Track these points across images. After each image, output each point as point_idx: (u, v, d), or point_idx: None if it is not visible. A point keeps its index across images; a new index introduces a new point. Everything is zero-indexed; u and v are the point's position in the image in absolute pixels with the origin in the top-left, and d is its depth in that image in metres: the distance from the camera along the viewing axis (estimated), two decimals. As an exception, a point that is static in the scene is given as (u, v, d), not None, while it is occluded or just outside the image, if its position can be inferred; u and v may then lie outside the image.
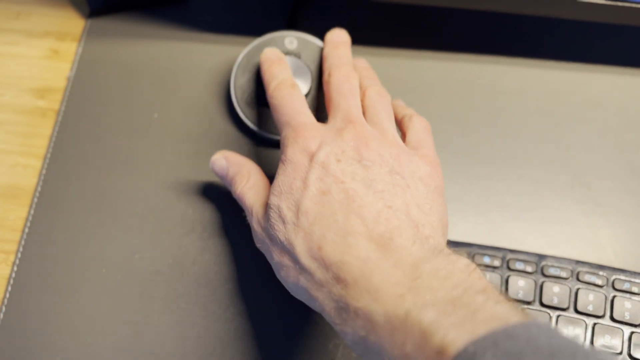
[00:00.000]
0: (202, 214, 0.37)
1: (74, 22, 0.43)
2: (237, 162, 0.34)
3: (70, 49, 0.42)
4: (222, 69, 0.41)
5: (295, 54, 0.39)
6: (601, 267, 0.34)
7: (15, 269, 0.36)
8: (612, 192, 0.38)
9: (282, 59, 0.36)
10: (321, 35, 0.40)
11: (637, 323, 0.33)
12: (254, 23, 0.43)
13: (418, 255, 0.25)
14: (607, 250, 0.37)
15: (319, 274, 0.26)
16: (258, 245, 0.31)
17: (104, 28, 0.43)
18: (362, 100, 0.33)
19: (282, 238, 0.28)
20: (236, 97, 0.39)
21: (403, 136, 0.34)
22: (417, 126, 0.34)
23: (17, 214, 0.37)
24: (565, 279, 0.34)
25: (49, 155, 0.39)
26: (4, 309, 0.35)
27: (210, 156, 0.39)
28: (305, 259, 0.27)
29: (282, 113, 0.32)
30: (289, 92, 0.33)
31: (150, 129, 0.40)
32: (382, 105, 0.33)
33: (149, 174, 0.38)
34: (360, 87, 0.34)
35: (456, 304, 0.22)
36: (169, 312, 0.35)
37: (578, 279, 0.34)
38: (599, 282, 0.34)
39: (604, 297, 0.34)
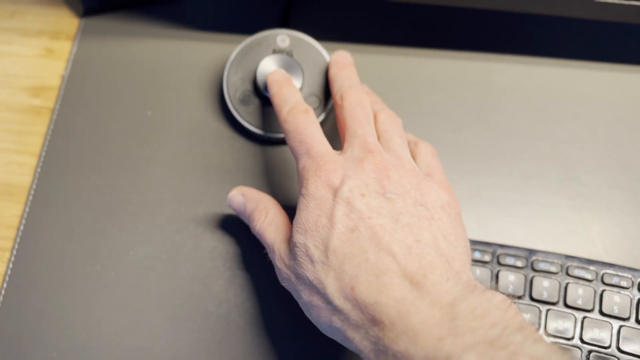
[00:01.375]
0: (195, 210, 0.37)
1: (68, 21, 0.44)
2: (254, 197, 0.33)
3: (64, 48, 0.43)
4: (215, 67, 0.42)
5: (287, 52, 0.39)
6: (591, 261, 0.35)
7: (10, 266, 0.36)
8: (602, 187, 0.38)
9: (290, 80, 0.36)
10: (313, 34, 0.40)
11: (625, 317, 0.33)
12: (246, 21, 0.43)
13: (453, 293, 0.25)
14: (596, 245, 0.37)
15: (354, 315, 0.26)
16: (284, 284, 0.30)
17: (98, 27, 0.43)
18: (375, 125, 0.33)
19: (311, 277, 0.27)
20: (229, 94, 0.39)
21: None
22: (425, 152, 0.33)
23: (12, 212, 0.38)
24: (555, 273, 0.34)
25: (43, 153, 0.39)
26: (-1, 305, 0.35)
27: (204, 153, 0.39)
28: (338, 300, 0.26)
29: (298, 141, 0.31)
30: (304, 119, 0.32)
31: (144, 126, 0.40)
32: (396, 131, 0.32)
33: (142, 171, 0.38)
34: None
35: (495, 346, 0.22)
36: (163, 307, 0.35)
37: (568, 274, 0.34)
38: (589, 276, 0.34)
39: (593, 291, 0.34)
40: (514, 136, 0.40)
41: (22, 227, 0.37)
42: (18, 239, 0.37)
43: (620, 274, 0.34)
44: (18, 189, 0.38)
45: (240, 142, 0.39)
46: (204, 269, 0.36)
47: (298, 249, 0.28)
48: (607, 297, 0.34)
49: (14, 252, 0.36)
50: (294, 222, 0.29)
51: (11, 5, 0.44)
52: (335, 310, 0.27)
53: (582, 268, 0.34)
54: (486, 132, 0.40)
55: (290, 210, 0.33)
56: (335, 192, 0.28)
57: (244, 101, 0.39)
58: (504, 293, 0.31)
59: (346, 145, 0.31)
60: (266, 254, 0.32)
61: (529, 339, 0.23)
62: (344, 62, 0.37)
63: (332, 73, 0.36)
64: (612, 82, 0.42)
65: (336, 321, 0.27)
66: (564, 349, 0.23)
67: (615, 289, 0.34)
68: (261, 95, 0.38)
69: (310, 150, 0.30)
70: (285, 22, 0.43)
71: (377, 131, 0.32)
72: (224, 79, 0.39)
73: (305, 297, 0.28)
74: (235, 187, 0.35)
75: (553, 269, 0.34)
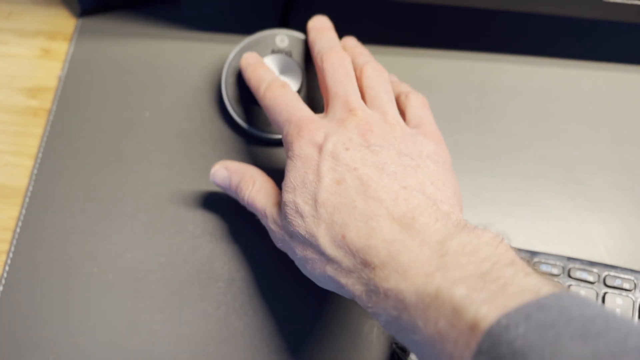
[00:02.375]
0: (194, 212, 0.37)
1: (65, 22, 0.43)
2: (238, 169, 0.34)
3: (61, 48, 0.42)
4: (214, 67, 0.41)
5: (286, 52, 0.39)
6: (593, 263, 0.34)
7: (7, 268, 0.36)
8: (604, 188, 0.38)
9: (263, 62, 0.36)
10: (312, 33, 0.40)
11: (628, 319, 0.33)
12: (245, 21, 0.43)
13: (443, 232, 0.25)
14: (599, 247, 0.37)
15: (346, 261, 0.27)
16: (279, 245, 0.31)
17: (95, 27, 0.43)
18: (359, 80, 0.33)
19: (302, 232, 0.28)
20: (227, 95, 0.38)
21: (402, 114, 0.33)
22: (415, 103, 0.34)
23: (9, 214, 0.37)
24: (557, 275, 0.34)
25: (40, 155, 0.39)
26: (-5, 308, 0.35)
27: (202, 154, 0.39)
28: (330, 249, 0.27)
29: (278, 112, 0.32)
30: (282, 92, 0.33)
31: (142, 127, 0.39)
32: (381, 85, 0.33)
33: (140, 172, 0.38)
34: (356, 66, 0.34)
35: (486, 279, 0.23)
36: (161, 311, 0.35)
37: (569, 276, 0.34)
38: (591, 278, 0.34)
39: (595, 293, 0.34)
40: (514, 136, 0.40)
41: (18, 230, 0.37)
42: (14, 242, 0.36)
43: (622, 275, 0.34)
44: (14, 190, 0.38)
45: (238, 143, 0.39)
46: (203, 272, 0.36)
47: (288, 207, 0.29)
48: (609, 300, 0.33)
49: (10, 254, 0.36)
50: (283, 183, 0.30)
51: (8, 5, 0.44)
52: (329, 259, 0.27)
53: (584, 270, 0.34)
54: (487, 133, 0.40)
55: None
56: (320, 148, 0.29)
57: (242, 101, 0.38)
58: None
59: (329, 107, 0.32)
60: (258, 221, 0.32)
61: (520, 273, 0.23)
62: (323, 25, 0.37)
63: (312, 37, 0.36)
64: (614, 82, 0.41)
65: (330, 270, 0.27)
66: (555, 282, 0.23)
67: (618, 291, 0.34)
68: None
69: (291, 116, 0.31)
70: (284, 22, 0.43)
71: (362, 87, 0.33)
72: (222, 79, 0.39)
73: (299, 253, 0.29)
74: (218, 162, 0.34)
75: (555, 270, 0.34)
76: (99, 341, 0.34)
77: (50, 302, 0.35)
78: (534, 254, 0.35)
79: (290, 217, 0.29)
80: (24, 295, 0.35)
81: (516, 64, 0.42)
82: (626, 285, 0.34)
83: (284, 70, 0.38)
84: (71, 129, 0.39)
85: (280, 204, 0.30)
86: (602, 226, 0.37)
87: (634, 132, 0.40)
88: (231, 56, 0.39)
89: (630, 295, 0.33)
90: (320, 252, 0.27)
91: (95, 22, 0.43)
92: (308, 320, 0.35)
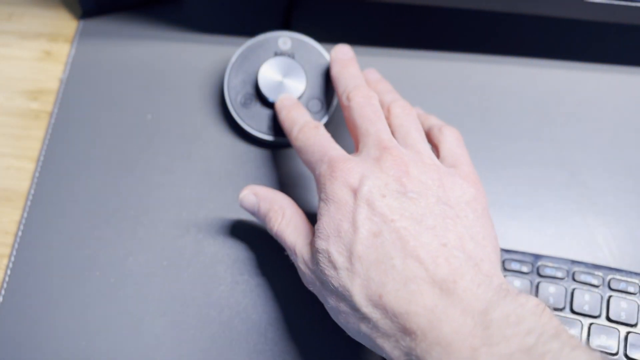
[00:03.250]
0: (196, 216, 0.37)
1: (67, 24, 0.43)
2: (267, 197, 0.32)
3: (62, 51, 0.42)
4: (216, 70, 0.41)
5: (289, 55, 0.39)
6: (597, 266, 0.34)
7: (8, 272, 0.35)
8: (608, 191, 0.38)
9: (299, 104, 0.35)
10: (315, 36, 0.40)
11: (633, 323, 0.33)
12: (247, 23, 0.42)
13: (485, 300, 0.24)
14: (603, 250, 0.36)
15: (383, 323, 0.25)
16: (309, 287, 0.30)
17: (97, 29, 0.42)
18: (388, 119, 0.32)
19: (335, 284, 0.27)
20: (230, 97, 0.38)
21: (435, 149, 0.32)
22: (450, 139, 0.32)
23: (11, 217, 0.37)
24: (561, 279, 0.34)
25: (42, 158, 0.38)
26: (-3, 312, 0.35)
27: (205, 157, 0.39)
28: (366, 308, 0.26)
29: (311, 152, 0.31)
30: (314, 132, 0.32)
31: (144, 130, 0.39)
32: (412, 123, 0.31)
33: (142, 175, 0.38)
34: (382, 104, 0.33)
35: (532, 354, 0.22)
36: (164, 314, 0.35)
37: (574, 279, 0.34)
38: (595, 282, 0.34)
39: (600, 297, 0.33)
40: (518, 139, 0.39)
41: (20, 233, 0.36)
42: (16, 245, 0.36)
43: (627, 279, 0.34)
44: (16, 194, 0.38)
45: (241, 146, 0.39)
46: (206, 275, 0.36)
47: (321, 255, 0.28)
48: (614, 303, 0.33)
49: (12, 258, 0.36)
50: (316, 227, 0.29)
51: (9, 7, 0.44)
52: (364, 317, 0.26)
53: (589, 273, 0.34)
54: (489, 136, 0.40)
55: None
56: (355, 193, 0.28)
57: (245, 104, 0.38)
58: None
59: (360, 146, 0.31)
60: (287, 255, 0.31)
61: (566, 347, 0.22)
62: (346, 58, 0.36)
63: (335, 72, 0.35)
64: (617, 84, 0.41)
65: (364, 328, 0.26)
66: (604, 356, 0.23)
67: (622, 295, 0.33)
68: (262, 98, 0.38)
69: (323, 156, 0.30)
70: (286, 24, 0.42)
71: (391, 126, 0.31)
72: (225, 82, 0.39)
73: (332, 303, 0.28)
74: (246, 187, 0.33)
75: (559, 274, 0.34)
76: (101, 345, 0.34)
77: (52, 306, 0.35)
78: (538, 257, 0.34)
79: (322, 265, 0.28)
80: (26, 299, 0.35)
81: (519, 66, 0.42)
82: (631, 289, 0.33)
83: (287, 73, 0.38)
84: (73, 132, 0.39)
85: (311, 245, 0.29)
86: (606, 229, 0.37)
87: (638, 134, 0.40)
88: (234, 58, 0.39)
89: (635, 298, 0.33)
90: (355, 309, 0.26)
91: (97, 24, 0.43)
92: (312, 324, 0.34)
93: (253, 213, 0.33)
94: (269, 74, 0.38)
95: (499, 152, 0.39)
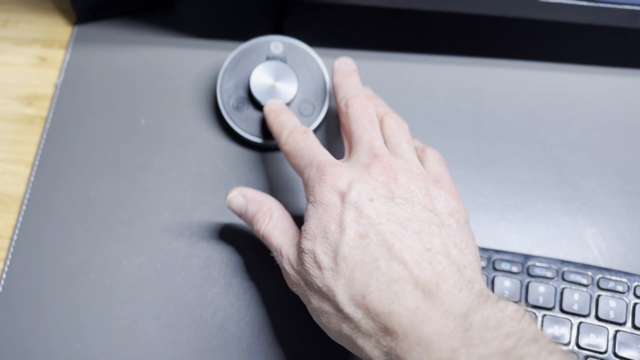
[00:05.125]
0: (190, 219, 0.37)
1: (61, 29, 0.43)
2: (255, 199, 0.33)
3: (57, 56, 0.43)
4: (209, 74, 0.42)
5: (281, 59, 0.39)
6: (586, 266, 0.35)
7: (3, 276, 0.36)
8: (597, 191, 0.38)
9: (286, 108, 0.36)
10: (307, 40, 0.40)
11: (621, 321, 0.33)
12: (240, 28, 0.43)
13: (467, 304, 0.25)
14: (592, 250, 0.37)
15: (365, 323, 0.26)
16: (293, 288, 0.30)
17: (91, 35, 0.43)
18: (381, 129, 0.33)
19: (320, 284, 0.27)
20: (222, 101, 0.39)
21: None
22: (432, 158, 0.33)
23: (6, 222, 0.38)
24: (551, 278, 0.34)
25: (37, 163, 0.39)
26: (-8, 316, 0.35)
27: (198, 160, 0.39)
28: (348, 308, 0.26)
29: (300, 156, 0.31)
30: (304, 137, 0.32)
31: (138, 134, 0.40)
32: (403, 135, 0.32)
33: (136, 179, 0.38)
34: (377, 116, 0.33)
35: (510, 357, 0.22)
36: (158, 317, 0.35)
37: (563, 279, 0.34)
38: (584, 281, 0.34)
39: (589, 296, 0.34)
40: (508, 141, 0.40)
41: (15, 237, 0.37)
42: (11, 249, 0.36)
43: (616, 278, 0.34)
44: (11, 198, 0.38)
45: (234, 149, 0.39)
46: (199, 278, 0.36)
47: (306, 255, 0.28)
48: (603, 302, 0.34)
49: (8, 262, 0.36)
50: (303, 228, 0.29)
51: (3, 14, 0.44)
52: (346, 317, 0.26)
53: (578, 273, 0.34)
54: (480, 138, 0.40)
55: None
56: (343, 196, 0.28)
57: (237, 108, 0.39)
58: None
59: (352, 151, 0.31)
60: (272, 257, 0.32)
61: (544, 351, 0.22)
62: (348, 69, 0.36)
63: (336, 81, 0.36)
64: (605, 85, 0.42)
65: (346, 329, 0.26)
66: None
67: (611, 294, 0.34)
68: (255, 101, 0.38)
69: (312, 161, 0.30)
70: (278, 29, 0.43)
71: (384, 136, 0.32)
72: (218, 86, 0.39)
73: (314, 303, 0.28)
74: (234, 188, 0.34)
75: (549, 274, 0.34)
76: (96, 348, 0.34)
77: (47, 309, 0.35)
78: (528, 257, 0.35)
79: (307, 265, 0.28)
80: (22, 302, 0.35)
81: (509, 69, 0.42)
82: (619, 288, 0.34)
83: (279, 77, 0.38)
84: (67, 137, 0.40)
85: (297, 246, 0.30)
86: (595, 229, 0.37)
87: (627, 135, 0.40)
88: (226, 63, 0.39)
89: (623, 297, 0.34)
90: (338, 309, 0.27)
91: (91, 30, 0.43)
92: (305, 326, 0.35)
93: (240, 214, 0.33)
94: (261, 78, 0.38)
95: (489, 153, 0.39)
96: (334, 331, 0.27)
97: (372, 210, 0.27)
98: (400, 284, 0.25)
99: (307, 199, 0.30)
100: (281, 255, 0.30)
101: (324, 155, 0.31)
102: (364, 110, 0.33)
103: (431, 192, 0.29)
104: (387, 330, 0.25)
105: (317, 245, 0.28)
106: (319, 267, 0.27)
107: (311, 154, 0.31)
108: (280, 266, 0.31)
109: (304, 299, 0.29)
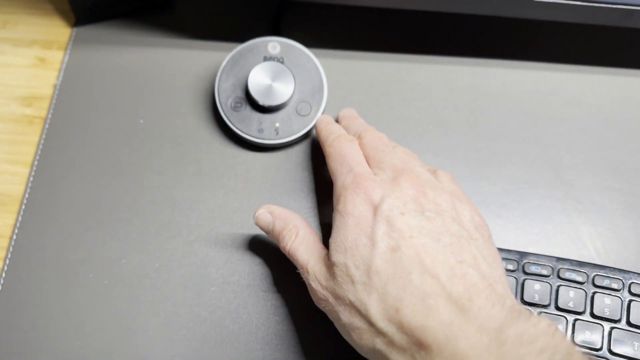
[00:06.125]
0: (188, 217, 0.38)
1: (60, 31, 0.44)
2: (282, 216, 0.33)
3: (56, 57, 0.43)
4: (207, 75, 0.42)
5: (278, 59, 0.39)
6: (582, 263, 0.35)
7: (3, 275, 0.36)
8: (593, 189, 0.39)
9: (335, 122, 0.38)
10: (304, 41, 0.41)
11: (616, 319, 0.33)
12: (237, 29, 0.43)
13: (500, 319, 0.25)
14: (587, 247, 0.37)
15: (399, 337, 0.26)
16: (320, 305, 0.30)
17: (90, 36, 0.43)
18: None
19: (352, 298, 0.27)
20: (220, 101, 0.39)
21: None
22: (445, 178, 0.34)
23: (5, 221, 0.38)
24: (547, 276, 0.34)
25: (36, 163, 0.39)
26: (-8, 315, 0.35)
27: (196, 160, 0.39)
28: (382, 322, 0.26)
29: (340, 162, 0.32)
30: (349, 145, 0.33)
31: (136, 134, 0.40)
32: (416, 162, 0.33)
33: (135, 178, 0.39)
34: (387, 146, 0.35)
35: None
36: (156, 315, 0.35)
37: (559, 277, 0.34)
38: (580, 278, 0.34)
39: (584, 293, 0.34)
40: (503, 140, 0.40)
41: (14, 237, 0.37)
42: (11, 249, 0.37)
43: (611, 275, 0.34)
44: (11, 198, 0.38)
45: (232, 148, 0.40)
46: (197, 276, 0.36)
47: (338, 269, 0.28)
48: (598, 300, 0.34)
49: (7, 261, 0.36)
50: (331, 240, 0.29)
51: (3, 15, 0.44)
52: (379, 332, 0.26)
53: (573, 270, 0.34)
54: (476, 136, 0.40)
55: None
56: (375, 210, 0.28)
57: (235, 108, 0.39)
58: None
59: (375, 171, 0.32)
60: (299, 274, 0.32)
61: None
62: (353, 115, 0.39)
63: (344, 124, 0.38)
64: (601, 85, 0.42)
65: (379, 344, 0.26)
66: None
67: (606, 291, 0.34)
68: (252, 101, 0.39)
69: (352, 169, 0.31)
70: (276, 30, 0.43)
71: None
72: (216, 86, 0.39)
73: (345, 319, 0.28)
74: (262, 205, 0.34)
75: (544, 271, 0.34)
76: (94, 346, 0.34)
77: (46, 308, 0.35)
78: (523, 255, 0.35)
79: (339, 278, 0.28)
80: (21, 301, 0.35)
81: (505, 68, 0.42)
82: (615, 285, 0.34)
83: (276, 77, 0.38)
84: (66, 137, 0.40)
85: (324, 261, 0.30)
86: (590, 227, 0.38)
87: (621, 133, 0.40)
88: (224, 63, 0.40)
89: (618, 295, 0.34)
90: (370, 323, 0.26)
91: (90, 31, 0.43)
92: (303, 323, 0.35)
93: (267, 231, 0.33)
94: (259, 78, 0.38)
95: (485, 152, 0.40)
96: (367, 347, 0.27)
97: (404, 224, 0.28)
98: (433, 298, 0.26)
99: (336, 208, 0.30)
100: (307, 272, 0.30)
101: (363, 166, 0.32)
102: (378, 139, 0.34)
103: (457, 206, 0.30)
104: (421, 345, 0.25)
105: (348, 258, 0.28)
106: (352, 281, 0.27)
107: (352, 162, 0.32)
108: (307, 283, 0.31)
109: (332, 316, 0.29)
